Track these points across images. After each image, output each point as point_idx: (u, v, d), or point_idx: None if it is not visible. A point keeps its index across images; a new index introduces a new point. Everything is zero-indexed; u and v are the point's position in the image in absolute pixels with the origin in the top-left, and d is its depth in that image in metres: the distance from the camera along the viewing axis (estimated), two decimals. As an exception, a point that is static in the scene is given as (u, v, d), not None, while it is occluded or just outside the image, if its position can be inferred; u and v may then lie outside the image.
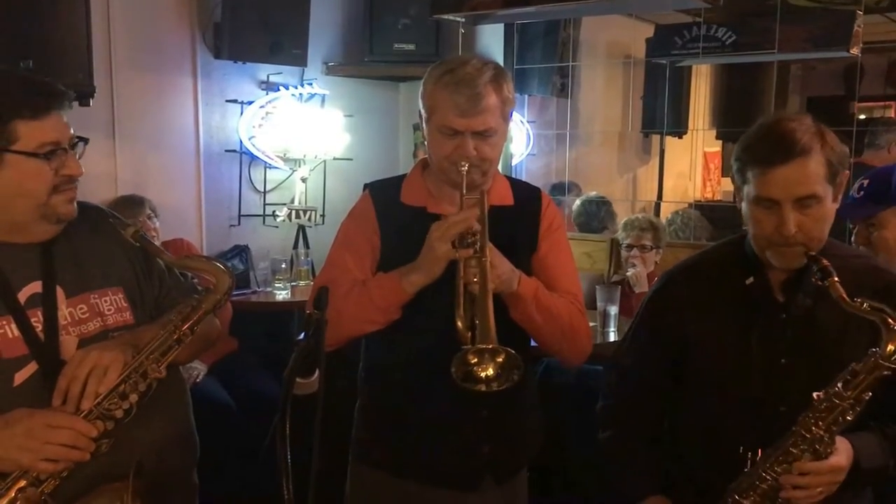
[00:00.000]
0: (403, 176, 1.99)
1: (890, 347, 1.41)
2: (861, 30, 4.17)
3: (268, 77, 4.05)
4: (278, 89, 4.05)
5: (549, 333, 1.84)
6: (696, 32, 4.59)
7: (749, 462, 1.54)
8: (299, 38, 3.88)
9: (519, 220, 1.94)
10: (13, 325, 1.53)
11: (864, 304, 1.44)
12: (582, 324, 1.90)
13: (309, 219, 4.12)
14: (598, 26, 5.29)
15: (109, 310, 1.63)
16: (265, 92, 4.05)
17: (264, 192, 4.14)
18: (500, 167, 1.99)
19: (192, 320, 1.57)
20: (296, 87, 4.09)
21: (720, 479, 1.57)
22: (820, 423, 1.45)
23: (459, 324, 1.64)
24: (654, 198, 5.61)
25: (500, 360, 1.62)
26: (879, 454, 1.53)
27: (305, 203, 4.17)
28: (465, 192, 1.76)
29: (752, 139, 1.57)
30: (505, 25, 4.39)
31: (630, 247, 3.59)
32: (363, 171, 4.43)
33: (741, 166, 1.57)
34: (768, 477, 1.50)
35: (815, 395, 1.46)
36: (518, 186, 2.02)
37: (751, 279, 1.63)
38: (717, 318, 1.65)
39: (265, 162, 4.06)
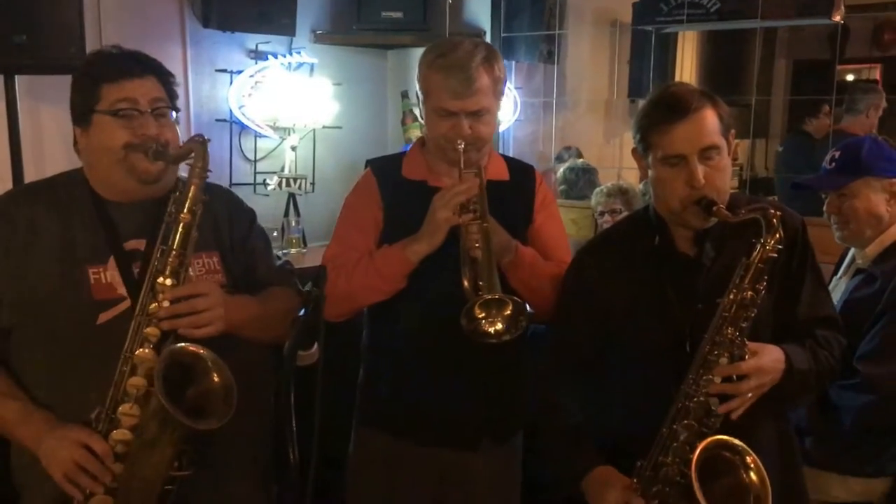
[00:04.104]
0: (403, 153, 2.10)
1: (770, 239, 1.58)
2: (844, -4, 4.22)
3: (256, 46, 4.06)
4: (267, 58, 4.06)
5: (546, 299, 1.95)
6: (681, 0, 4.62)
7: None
8: (288, 8, 3.89)
9: (515, 194, 2.05)
10: (113, 271, 1.70)
11: (744, 211, 1.61)
12: None
13: (299, 187, 4.16)
14: (585, -8, 5.31)
15: (200, 271, 1.76)
16: (254, 61, 4.06)
17: (255, 161, 4.17)
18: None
19: (188, 201, 1.65)
20: (284, 56, 4.11)
21: (651, 427, 1.66)
22: (729, 326, 1.59)
23: (466, 283, 1.76)
24: (640, 165, 5.68)
25: (506, 311, 1.75)
26: (804, 358, 1.69)
27: (295, 171, 4.21)
28: (462, 167, 1.85)
29: (649, 108, 1.73)
30: (492, -7, 4.42)
31: (602, 213, 3.73)
32: (352, 139, 4.48)
33: (644, 135, 1.72)
34: (695, 394, 1.60)
35: (718, 300, 1.61)
36: (513, 164, 2.13)
37: (657, 239, 1.77)
38: (632, 280, 1.78)
39: (255, 131, 4.08)
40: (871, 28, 7.37)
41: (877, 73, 7.81)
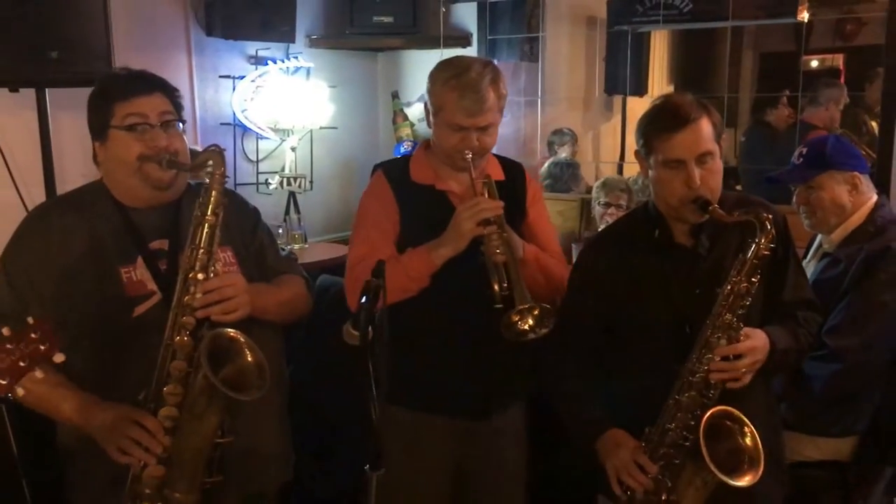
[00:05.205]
0: (407, 157, 2.27)
1: (763, 239, 1.79)
2: (808, -5, 4.49)
3: (256, 52, 4.25)
4: (266, 63, 4.25)
5: (548, 289, 2.17)
6: (655, 0, 4.86)
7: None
8: (287, 15, 4.07)
9: (510, 192, 2.23)
10: (142, 269, 1.88)
11: (737, 213, 1.82)
12: None
13: (299, 185, 4.36)
14: (563, -8, 5.51)
15: (217, 265, 1.91)
16: (254, 66, 4.25)
17: (257, 162, 4.37)
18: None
19: (211, 204, 1.83)
20: (283, 61, 4.30)
21: (654, 401, 1.88)
22: (727, 312, 1.81)
23: (496, 287, 1.99)
24: (617, 158, 5.91)
25: (537, 313, 1.98)
26: (785, 337, 1.91)
27: (295, 171, 4.41)
28: (473, 176, 2.06)
29: (652, 117, 1.92)
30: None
31: (608, 205, 3.86)
32: (347, 138, 4.71)
33: (647, 140, 1.92)
34: (697, 370, 1.83)
35: (717, 290, 1.83)
36: (506, 163, 2.32)
37: (657, 232, 1.98)
38: (635, 269, 1.98)
39: (257, 133, 4.28)
40: (835, 19, 7.68)
41: (840, 63, 8.14)
